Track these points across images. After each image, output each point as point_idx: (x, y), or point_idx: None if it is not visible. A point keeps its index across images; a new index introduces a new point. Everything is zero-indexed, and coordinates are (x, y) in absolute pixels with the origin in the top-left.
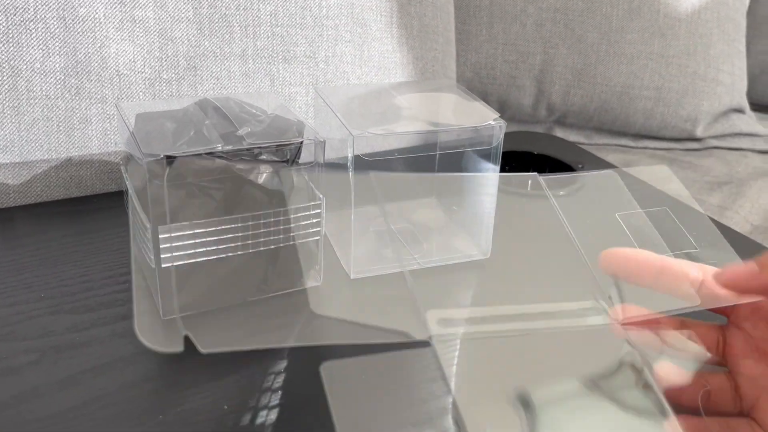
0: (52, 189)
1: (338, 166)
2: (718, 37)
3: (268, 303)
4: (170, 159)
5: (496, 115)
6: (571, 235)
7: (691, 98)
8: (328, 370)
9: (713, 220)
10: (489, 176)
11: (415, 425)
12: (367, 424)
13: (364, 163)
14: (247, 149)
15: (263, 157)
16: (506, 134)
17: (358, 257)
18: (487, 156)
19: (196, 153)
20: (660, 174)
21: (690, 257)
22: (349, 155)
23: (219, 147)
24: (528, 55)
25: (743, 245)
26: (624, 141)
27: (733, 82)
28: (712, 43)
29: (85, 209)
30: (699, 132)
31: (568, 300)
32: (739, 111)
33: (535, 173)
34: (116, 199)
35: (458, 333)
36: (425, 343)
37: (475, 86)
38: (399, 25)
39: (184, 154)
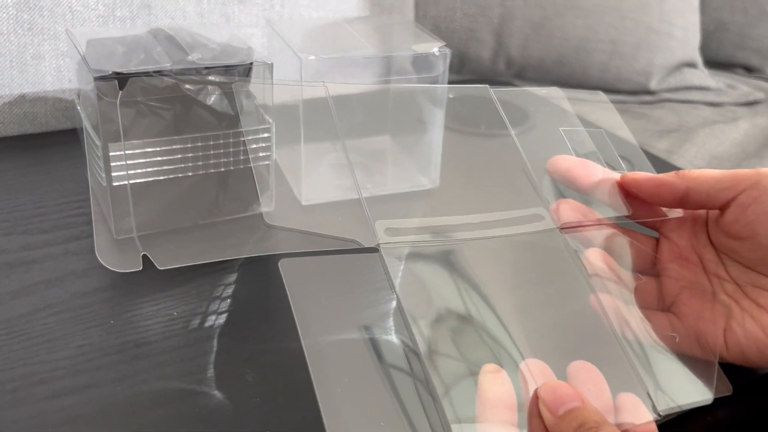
0: (6, 125)
1: (291, 102)
2: None
3: (221, 225)
4: (120, 76)
5: (442, 43)
6: (518, 145)
7: (645, 52)
8: (285, 265)
9: (661, 160)
10: (436, 111)
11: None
12: (322, 315)
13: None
14: (196, 69)
15: (211, 78)
16: (467, 81)
17: (309, 185)
18: (433, 83)
19: (146, 72)
20: (598, 98)
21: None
22: (301, 77)
23: (168, 66)
24: (487, 8)
25: None
26: (581, 95)
27: (686, 37)
28: None
29: (40, 144)
30: (653, 85)
31: (513, 208)
32: (692, 65)
33: (487, 85)
34: (71, 136)
35: (405, 241)
36: (374, 250)
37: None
38: None
39: (134, 72)
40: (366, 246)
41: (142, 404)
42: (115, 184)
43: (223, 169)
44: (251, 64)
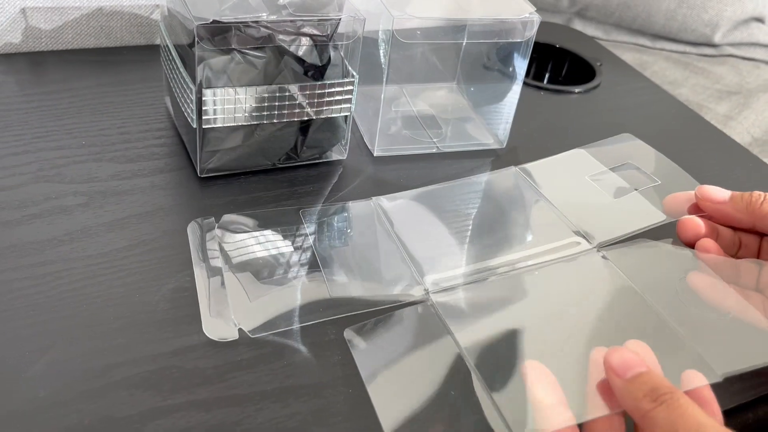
0: (83, 37)
1: (369, 40)
2: None
3: (299, 169)
4: (219, 24)
5: (532, 8)
6: (548, 200)
7: (715, 2)
8: (349, 335)
9: (719, 131)
10: (517, 69)
11: None
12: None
13: (397, 43)
14: (291, 21)
15: (304, 29)
16: None
17: (382, 137)
18: (517, 47)
19: (244, 21)
20: (623, 139)
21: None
22: (385, 36)
23: (264, 16)
24: None
25: (740, 156)
26: (642, 41)
27: None
28: None
29: (116, 60)
30: (717, 38)
31: (548, 242)
32: (760, 21)
33: (515, 167)
34: (145, 53)
35: (452, 287)
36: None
37: None
38: None
39: (232, 22)
40: (418, 298)
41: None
42: (204, 126)
43: (306, 118)
44: (343, 17)
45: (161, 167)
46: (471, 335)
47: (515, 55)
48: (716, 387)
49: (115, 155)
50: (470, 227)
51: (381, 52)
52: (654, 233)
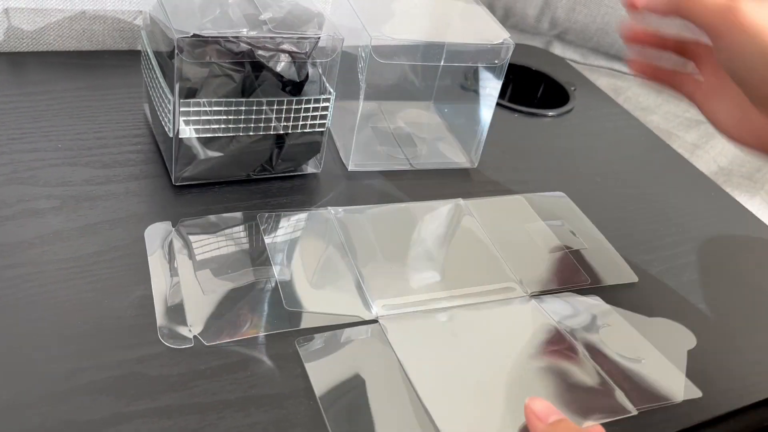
0: (65, 39)
1: (347, 56)
2: None
3: (273, 181)
4: (200, 39)
5: (507, 34)
6: (491, 242)
7: None
8: (301, 342)
9: (684, 160)
10: (490, 91)
11: None
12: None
13: (375, 62)
14: (271, 37)
15: (283, 46)
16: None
17: (357, 152)
18: (491, 70)
19: (224, 36)
20: (558, 198)
21: (580, 254)
22: (363, 53)
23: (245, 32)
24: None
25: (703, 186)
26: (618, 66)
27: None
28: None
29: (96, 64)
30: (691, 67)
31: (492, 283)
32: None
33: (460, 198)
34: (126, 58)
35: (400, 313)
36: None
37: None
38: None
39: (213, 36)
40: (367, 319)
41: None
42: (181, 136)
43: (282, 132)
44: (321, 36)
45: (136, 174)
46: (414, 360)
47: (490, 77)
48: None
49: (90, 160)
50: (419, 254)
51: (359, 69)
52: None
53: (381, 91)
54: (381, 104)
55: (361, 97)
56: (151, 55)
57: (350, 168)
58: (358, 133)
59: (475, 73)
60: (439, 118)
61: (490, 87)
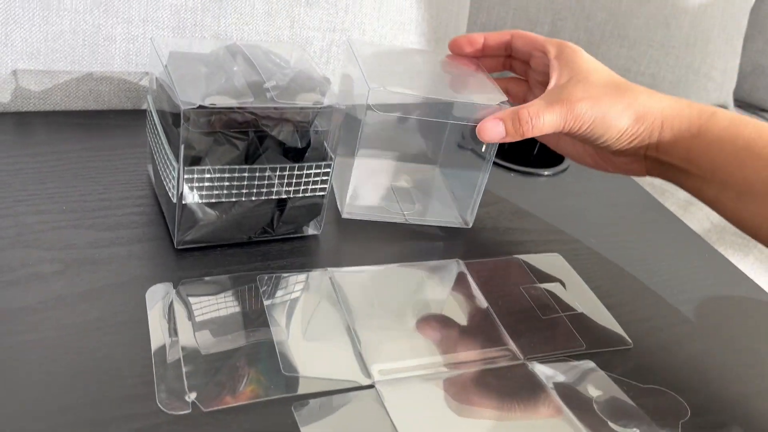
0: (71, 99)
1: (353, 111)
2: (718, 34)
3: (273, 243)
4: (205, 109)
5: (505, 98)
6: (488, 304)
7: (682, 90)
8: (298, 408)
9: (677, 219)
10: (488, 151)
11: None
12: None
13: (377, 116)
14: (275, 108)
15: (286, 115)
16: None
17: (352, 201)
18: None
19: (229, 107)
20: (554, 259)
21: (576, 317)
22: (361, 106)
23: (249, 101)
24: (537, 24)
25: (696, 245)
26: None
27: (723, 80)
28: (711, 39)
29: (102, 123)
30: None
31: (480, 348)
32: (723, 107)
33: (458, 259)
34: (131, 118)
35: (397, 378)
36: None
37: None
38: None
39: (218, 108)
40: (364, 384)
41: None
42: (185, 202)
43: (283, 196)
44: (325, 106)
45: (139, 236)
46: (411, 426)
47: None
48: None
49: (94, 222)
50: (417, 316)
51: (361, 120)
52: (577, 356)
53: (380, 143)
54: (379, 155)
55: (357, 148)
56: (156, 120)
57: (344, 216)
58: (354, 183)
59: (473, 132)
60: (436, 174)
61: (487, 147)
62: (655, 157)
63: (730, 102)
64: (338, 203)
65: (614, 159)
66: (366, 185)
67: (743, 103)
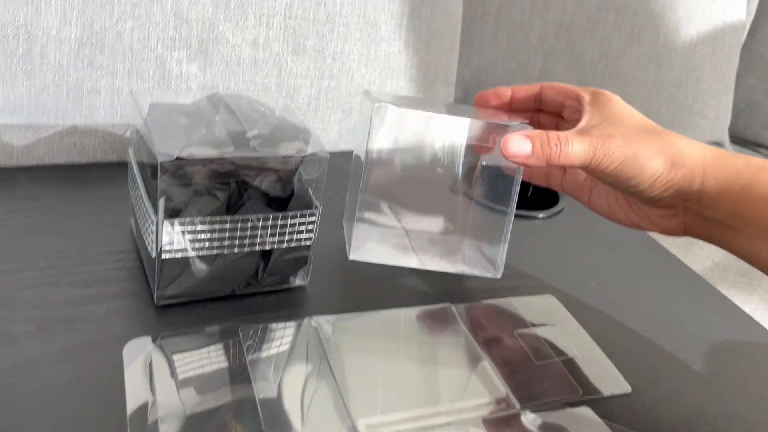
0: (55, 153)
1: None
2: (709, 72)
3: (258, 296)
4: (183, 160)
5: (528, 122)
6: (479, 350)
7: (675, 128)
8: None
9: (677, 260)
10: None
11: None
12: None
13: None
14: (256, 157)
15: (269, 165)
16: None
17: (359, 243)
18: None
19: (207, 158)
20: (549, 302)
21: (571, 362)
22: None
23: (229, 152)
24: (527, 66)
25: (698, 287)
26: None
27: (717, 117)
28: (703, 77)
29: (86, 177)
30: None
31: (477, 396)
32: (719, 145)
33: (449, 303)
34: (116, 170)
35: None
36: None
37: (473, 89)
38: (408, 27)
39: (197, 158)
40: None
41: None
42: (163, 257)
43: (267, 247)
44: (308, 154)
45: (119, 292)
46: None
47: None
48: None
49: (73, 279)
50: (405, 366)
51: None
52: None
53: (381, 189)
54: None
55: (359, 203)
56: (137, 173)
57: (350, 257)
58: (357, 228)
59: (494, 174)
60: (452, 225)
61: (506, 186)
62: (698, 212)
63: (726, 139)
64: (345, 239)
65: (649, 212)
66: (372, 226)
67: (739, 140)
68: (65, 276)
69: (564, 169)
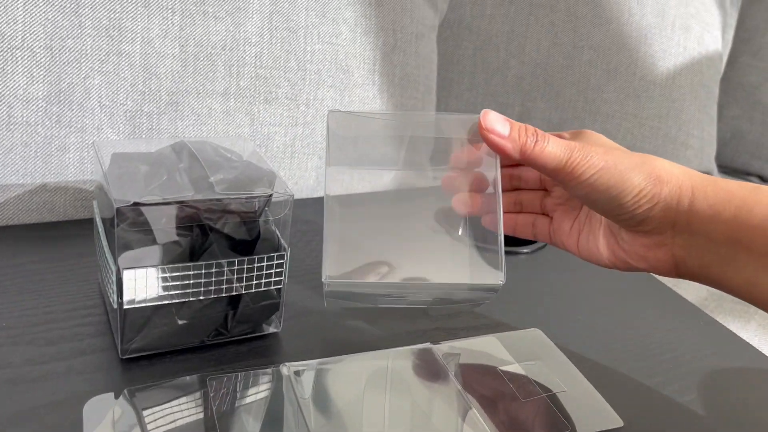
0: (25, 213)
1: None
2: (690, 103)
3: (229, 345)
4: (140, 206)
5: (501, 281)
6: (463, 391)
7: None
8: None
9: (669, 289)
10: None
11: None
12: None
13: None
14: (218, 199)
15: (231, 207)
16: None
17: (334, 261)
18: None
19: (166, 201)
20: (534, 336)
21: (559, 398)
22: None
23: (189, 196)
24: (507, 107)
25: (692, 315)
26: None
27: (702, 147)
28: (684, 107)
29: (55, 235)
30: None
31: None
32: (707, 173)
33: (429, 343)
34: (87, 226)
35: None
36: None
37: None
38: (381, 73)
39: (154, 203)
40: None
41: None
42: (126, 307)
43: (234, 293)
44: (272, 194)
45: (83, 349)
46: None
47: None
48: None
49: (34, 337)
50: (383, 413)
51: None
52: None
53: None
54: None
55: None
56: (99, 225)
57: (325, 288)
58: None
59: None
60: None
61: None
62: (689, 239)
63: (714, 168)
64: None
65: (636, 243)
66: (354, 246)
67: (728, 169)
68: (27, 335)
69: (550, 218)
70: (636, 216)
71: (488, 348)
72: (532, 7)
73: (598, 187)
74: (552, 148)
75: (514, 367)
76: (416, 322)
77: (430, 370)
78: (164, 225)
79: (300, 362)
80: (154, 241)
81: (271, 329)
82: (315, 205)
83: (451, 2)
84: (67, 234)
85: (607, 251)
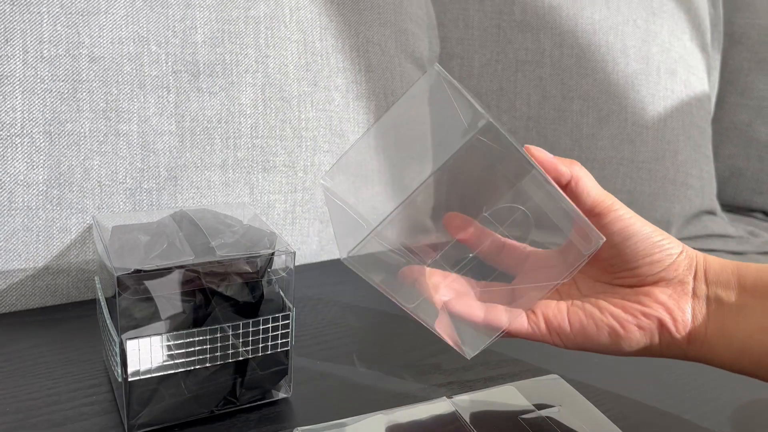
0: (28, 298)
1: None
2: (684, 143)
3: (238, 415)
4: (141, 273)
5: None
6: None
7: (662, 201)
8: None
9: None
10: None
11: None
12: None
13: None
14: (218, 262)
15: (233, 269)
16: None
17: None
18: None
19: (166, 267)
20: (553, 382)
21: None
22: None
23: (190, 260)
24: None
25: None
26: None
27: (702, 186)
28: (679, 149)
29: (59, 318)
30: (673, 234)
31: None
32: (711, 213)
33: (444, 397)
34: (91, 307)
35: None
36: None
37: None
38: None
39: (154, 269)
40: None
41: None
42: (130, 379)
43: (241, 359)
44: (273, 252)
45: (88, 428)
46: None
47: None
48: None
49: (38, 420)
50: None
51: None
52: None
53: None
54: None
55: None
56: (101, 299)
57: (343, 258)
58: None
59: None
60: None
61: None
62: (704, 290)
63: (717, 207)
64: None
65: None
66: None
67: (731, 207)
68: (31, 419)
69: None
70: (671, 253)
71: (506, 397)
72: (518, 63)
73: (614, 231)
74: (579, 175)
75: (535, 415)
76: (431, 377)
77: (447, 425)
78: (166, 292)
79: (313, 425)
80: (156, 309)
81: (281, 394)
82: (318, 269)
83: (438, 64)
84: (72, 316)
85: (603, 327)
